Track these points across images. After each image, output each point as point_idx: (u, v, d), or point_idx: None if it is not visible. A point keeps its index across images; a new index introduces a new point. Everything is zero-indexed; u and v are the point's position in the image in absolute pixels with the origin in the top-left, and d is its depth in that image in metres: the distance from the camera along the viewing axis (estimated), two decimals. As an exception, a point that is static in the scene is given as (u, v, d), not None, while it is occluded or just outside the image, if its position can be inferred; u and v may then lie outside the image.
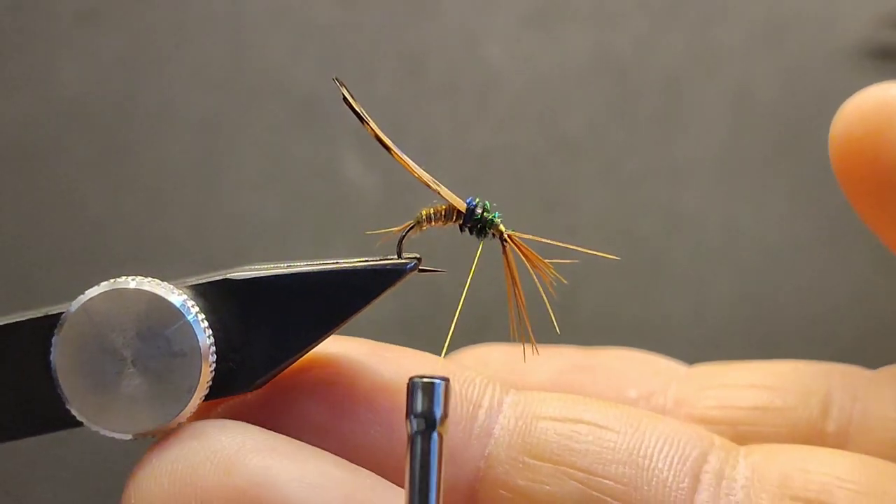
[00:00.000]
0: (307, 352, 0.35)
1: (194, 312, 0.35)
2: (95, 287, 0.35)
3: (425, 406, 0.33)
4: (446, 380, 0.34)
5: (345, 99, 0.35)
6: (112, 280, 0.35)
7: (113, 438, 0.40)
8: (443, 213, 0.37)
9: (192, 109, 1.03)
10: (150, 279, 0.35)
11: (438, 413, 0.33)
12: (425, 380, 0.34)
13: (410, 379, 0.34)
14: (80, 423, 0.36)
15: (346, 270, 0.35)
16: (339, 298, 0.35)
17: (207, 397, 0.35)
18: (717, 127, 1.08)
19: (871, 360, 1.09)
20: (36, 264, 0.94)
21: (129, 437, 0.35)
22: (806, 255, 1.10)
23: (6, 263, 0.99)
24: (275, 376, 0.36)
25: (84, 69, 1.02)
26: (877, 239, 0.54)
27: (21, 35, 1.02)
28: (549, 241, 0.39)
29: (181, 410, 0.35)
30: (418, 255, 0.37)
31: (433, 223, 0.37)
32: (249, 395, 0.37)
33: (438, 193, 0.37)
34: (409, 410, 0.33)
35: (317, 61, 1.04)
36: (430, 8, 1.06)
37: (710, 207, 1.09)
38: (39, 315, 0.36)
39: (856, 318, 1.11)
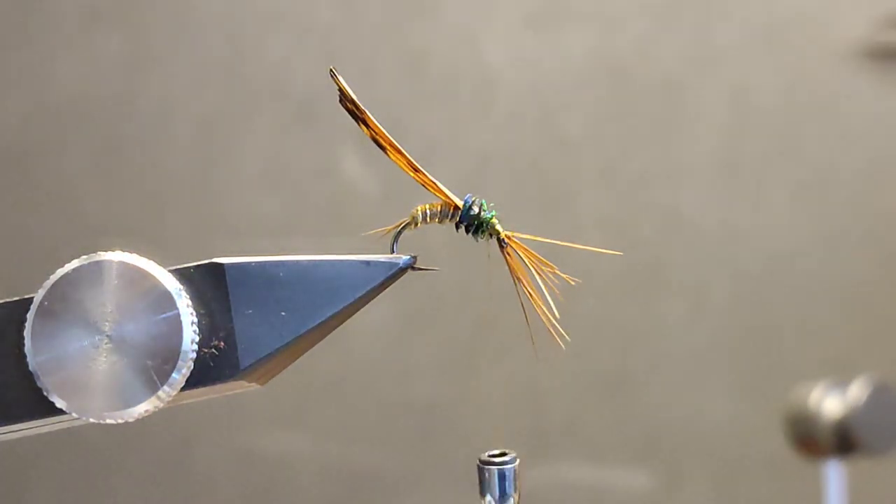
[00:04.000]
0: (298, 341, 0.35)
1: (178, 288, 0.34)
2: (77, 259, 0.34)
3: (497, 488, 0.37)
4: (515, 459, 0.37)
5: (341, 99, 0.35)
6: (91, 254, 0.34)
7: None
8: (438, 210, 0.37)
9: (192, 110, 1.03)
10: (132, 254, 0.34)
11: (510, 494, 0.37)
12: (496, 462, 0.37)
13: (481, 461, 0.37)
14: (55, 410, 0.34)
15: (337, 261, 0.35)
16: (328, 288, 0.34)
17: (193, 382, 0.34)
18: (717, 127, 1.08)
19: (870, 361, 1.09)
20: (32, 263, 0.94)
21: (105, 421, 0.34)
22: (805, 256, 1.10)
23: (3, 262, 0.99)
24: (268, 366, 0.35)
25: (84, 69, 1.02)
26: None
27: (21, 35, 1.02)
28: (548, 241, 0.39)
29: (158, 393, 0.34)
30: (414, 255, 0.36)
31: (428, 220, 0.37)
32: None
33: (436, 191, 0.37)
34: (482, 489, 0.37)
35: (317, 61, 1.04)
36: (430, 8, 1.06)
37: (710, 208, 1.09)
38: (14, 299, 0.35)
39: (855, 319, 1.10)
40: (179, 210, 1.03)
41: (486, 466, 0.37)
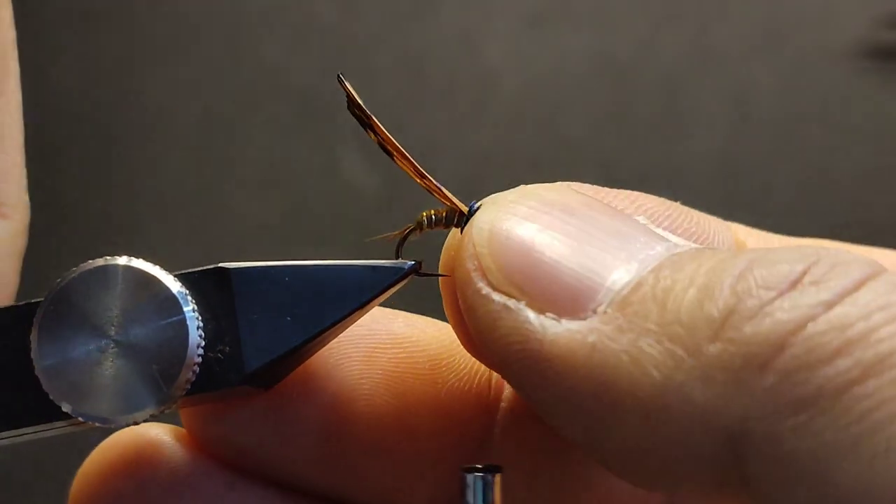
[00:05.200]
0: (303, 346, 0.35)
1: (183, 293, 0.34)
2: (83, 264, 0.34)
3: (477, 500, 0.34)
4: (499, 470, 0.34)
5: (348, 106, 0.35)
6: (101, 258, 0.34)
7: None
8: (443, 216, 0.37)
9: (192, 109, 1.03)
10: (138, 259, 0.34)
11: None
12: (478, 473, 0.34)
13: (462, 469, 0.35)
14: (61, 415, 0.34)
15: (343, 266, 0.35)
16: (334, 293, 0.34)
17: (198, 387, 0.34)
18: (717, 127, 1.08)
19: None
20: (38, 268, 0.94)
21: (110, 426, 0.34)
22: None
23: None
24: (273, 372, 0.35)
25: (84, 69, 1.02)
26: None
27: (20, 35, 1.02)
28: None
29: (163, 398, 0.34)
30: (419, 260, 0.37)
31: (433, 226, 0.37)
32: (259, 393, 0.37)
33: (441, 198, 0.37)
34: (462, 501, 0.34)
35: (317, 61, 1.04)
36: (430, 9, 1.06)
37: (710, 208, 1.09)
38: (20, 304, 0.35)
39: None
40: (179, 209, 1.03)
41: (468, 473, 0.35)
